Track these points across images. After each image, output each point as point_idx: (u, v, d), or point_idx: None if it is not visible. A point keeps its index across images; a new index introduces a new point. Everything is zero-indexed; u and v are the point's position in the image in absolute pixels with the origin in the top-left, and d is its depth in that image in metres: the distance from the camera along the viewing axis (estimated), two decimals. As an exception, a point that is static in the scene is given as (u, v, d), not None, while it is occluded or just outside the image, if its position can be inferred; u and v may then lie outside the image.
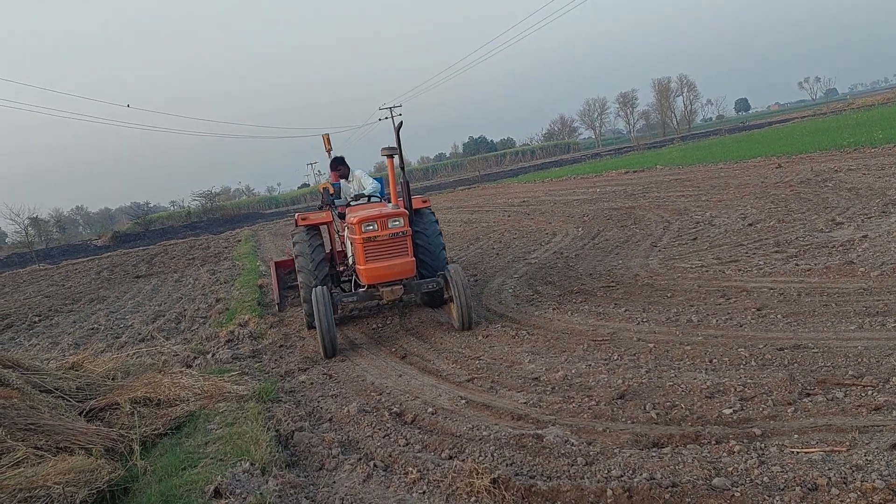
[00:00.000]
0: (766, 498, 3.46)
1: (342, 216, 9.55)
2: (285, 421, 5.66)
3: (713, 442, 4.22)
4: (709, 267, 9.36)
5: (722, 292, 7.84)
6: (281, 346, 8.74)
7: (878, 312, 6.18)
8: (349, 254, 9.07)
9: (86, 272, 28.06)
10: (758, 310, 6.89)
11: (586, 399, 5.32)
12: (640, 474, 3.89)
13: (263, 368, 7.69)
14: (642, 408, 4.96)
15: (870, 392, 4.59)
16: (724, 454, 3.99)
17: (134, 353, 8.37)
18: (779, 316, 6.60)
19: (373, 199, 9.50)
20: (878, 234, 9.43)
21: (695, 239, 11.74)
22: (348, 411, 5.78)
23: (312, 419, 5.84)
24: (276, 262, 11.37)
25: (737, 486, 3.60)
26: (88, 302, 17.19)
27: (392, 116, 68.27)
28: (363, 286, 8.30)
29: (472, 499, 3.96)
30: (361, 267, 8.03)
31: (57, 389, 6.09)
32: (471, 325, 8.12)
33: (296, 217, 9.66)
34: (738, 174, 21.33)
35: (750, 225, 12.05)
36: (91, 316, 14.13)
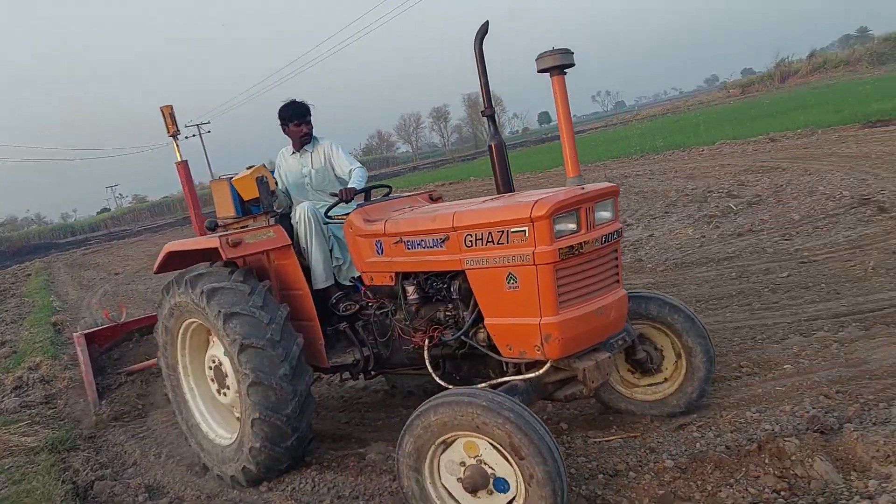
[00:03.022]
0: (574, 488, 3.64)
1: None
2: (83, 471, 5.15)
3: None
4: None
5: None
6: (77, 387, 7.96)
7: (665, 304, 6.76)
8: (445, 305, 4.08)
9: None
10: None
11: (408, 410, 5.34)
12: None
13: (58, 415, 6.94)
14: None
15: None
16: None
17: None
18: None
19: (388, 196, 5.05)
20: (662, 232, 10.40)
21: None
22: (156, 453, 5.37)
23: (116, 465, 5.36)
24: (86, 335, 6.80)
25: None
26: None
27: (200, 133, 65.17)
28: (523, 362, 3.73)
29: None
30: (550, 319, 3.43)
31: None
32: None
33: (203, 241, 4.61)
34: (542, 183, 22.67)
35: (555, 230, 12.78)
36: None
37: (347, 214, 4.50)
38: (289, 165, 5.46)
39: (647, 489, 3.52)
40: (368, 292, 4.52)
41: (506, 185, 4.49)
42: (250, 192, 4.98)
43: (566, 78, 3.70)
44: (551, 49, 3.67)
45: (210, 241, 4.47)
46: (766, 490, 3.33)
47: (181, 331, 4.80)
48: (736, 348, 5.29)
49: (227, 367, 4.47)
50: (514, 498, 3.11)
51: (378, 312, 4.47)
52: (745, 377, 4.72)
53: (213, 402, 4.84)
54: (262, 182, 4.84)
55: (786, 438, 3.59)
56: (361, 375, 4.85)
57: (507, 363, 3.80)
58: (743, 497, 3.32)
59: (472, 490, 3.17)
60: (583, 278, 3.58)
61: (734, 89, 71.39)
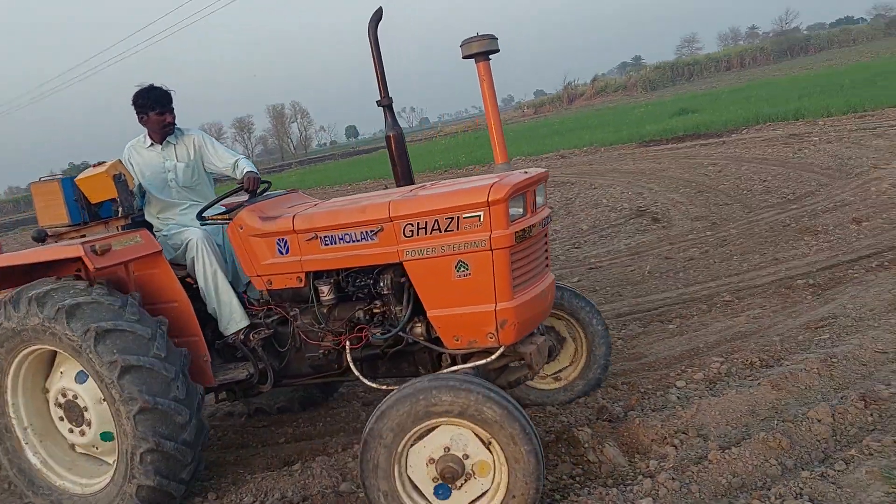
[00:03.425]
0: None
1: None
2: None
3: (340, 449, 4.38)
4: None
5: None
6: None
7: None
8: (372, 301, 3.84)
9: None
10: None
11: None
12: (273, 495, 3.88)
13: None
14: (272, 429, 4.97)
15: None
16: (350, 459, 4.16)
17: None
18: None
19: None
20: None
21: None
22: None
23: None
24: None
25: (360, 488, 3.80)
26: None
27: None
28: (470, 352, 3.62)
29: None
30: (506, 305, 3.42)
31: None
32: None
33: (55, 251, 3.87)
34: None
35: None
36: None
37: (225, 214, 4.08)
38: (146, 160, 4.66)
39: (457, 487, 3.67)
40: (259, 299, 4.15)
41: (406, 177, 4.31)
42: (104, 193, 4.16)
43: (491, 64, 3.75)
44: (476, 35, 3.58)
45: (67, 250, 3.69)
46: (564, 476, 3.63)
47: (15, 363, 3.96)
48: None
49: (86, 399, 3.82)
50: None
51: (273, 320, 4.13)
52: (544, 375, 5.07)
53: (60, 445, 4.11)
54: (119, 180, 4.11)
55: (579, 428, 3.93)
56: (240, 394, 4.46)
57: (447, 356, 3.70)
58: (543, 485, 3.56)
59: (449, 477, 3.10)
60: (528, 262, 3.59)
61: (528, 109, 76.15)
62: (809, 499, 2.98)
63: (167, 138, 4.70)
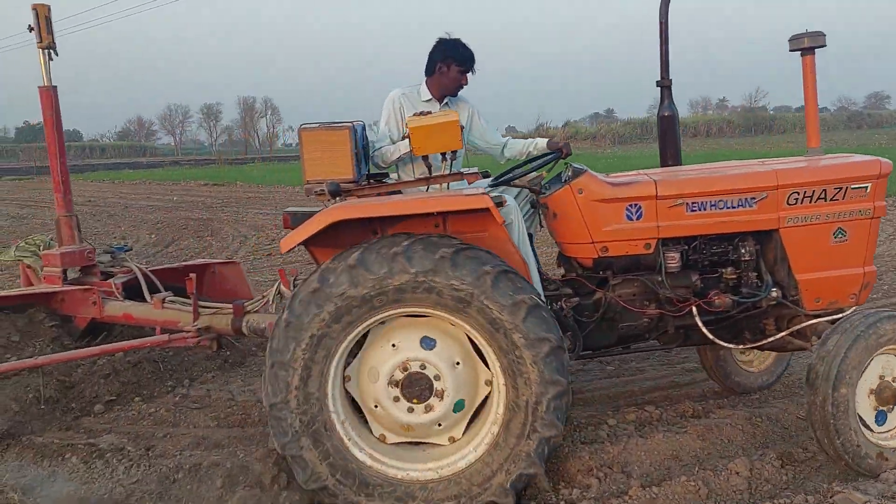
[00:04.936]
0: None
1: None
2: None
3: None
4: (281, 281, 9.70)
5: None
6: None
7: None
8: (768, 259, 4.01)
9: None
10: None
11: (146, 406, 5.14)
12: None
13: None
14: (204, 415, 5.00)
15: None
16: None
17: None
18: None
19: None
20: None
21: (269, 255, 12.09)
22: None
23: None
24: None
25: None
26: None
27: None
28: (826, 312, 3.95)
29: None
30: (870, 268, 3.94)
31: None
32: None
33: (464, 199, 3.40)
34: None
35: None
36: None
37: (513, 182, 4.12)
38: None
39: None
40: (583, 266, 4.02)
41: (675, 158, 4.59)
42: (445, 143, 3.73)
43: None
44: (805, 31, 3.92)
45: (474, 200, 3.34)
46: (491, 495, 3.70)
47: (349, 337, 3.38)
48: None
49: (442, 370, 3.41)
50: None
51: (576, 290, 4.01)
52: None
53: (363, 426, 3.63)
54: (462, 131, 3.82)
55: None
56: None
57: (771, 321, 4.08)
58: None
59: (886, 402, 3.57)
60: None
61: (499, 143, 76.96)
62: (719, 543, 3.12)
63: (445, 98, 4.55)
